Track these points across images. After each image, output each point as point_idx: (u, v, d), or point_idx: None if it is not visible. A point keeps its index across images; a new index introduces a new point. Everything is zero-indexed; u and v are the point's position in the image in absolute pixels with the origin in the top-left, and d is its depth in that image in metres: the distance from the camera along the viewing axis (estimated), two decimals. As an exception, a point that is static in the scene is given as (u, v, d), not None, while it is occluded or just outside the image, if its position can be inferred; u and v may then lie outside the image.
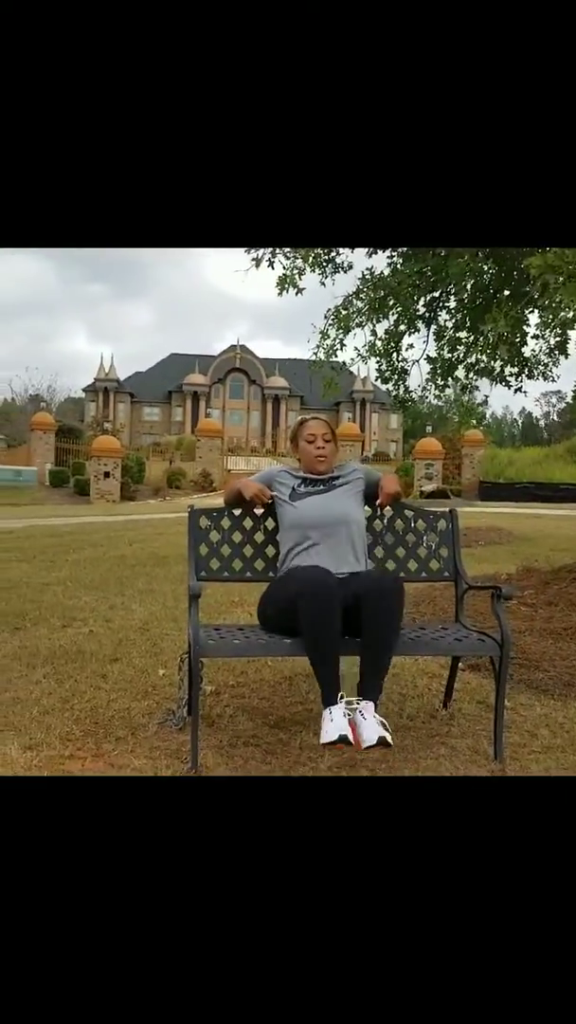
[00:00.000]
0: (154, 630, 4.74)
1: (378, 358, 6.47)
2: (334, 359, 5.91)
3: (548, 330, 5.73)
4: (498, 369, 6.31)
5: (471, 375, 6.57)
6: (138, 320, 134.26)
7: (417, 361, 6.39)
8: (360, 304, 5.71)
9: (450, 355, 5.97)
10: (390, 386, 6.87)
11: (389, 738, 2.62)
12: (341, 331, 5.76)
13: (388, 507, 3.41)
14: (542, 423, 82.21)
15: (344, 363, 6.62)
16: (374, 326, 5.88)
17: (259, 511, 3.33)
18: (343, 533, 3.04)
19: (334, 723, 2.61)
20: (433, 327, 6.01)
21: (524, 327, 5.08)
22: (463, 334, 5.88)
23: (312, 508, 3.09)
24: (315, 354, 5.95)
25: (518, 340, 5.09)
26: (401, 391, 6.81)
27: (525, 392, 6.61)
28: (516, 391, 6.48)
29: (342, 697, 2.68)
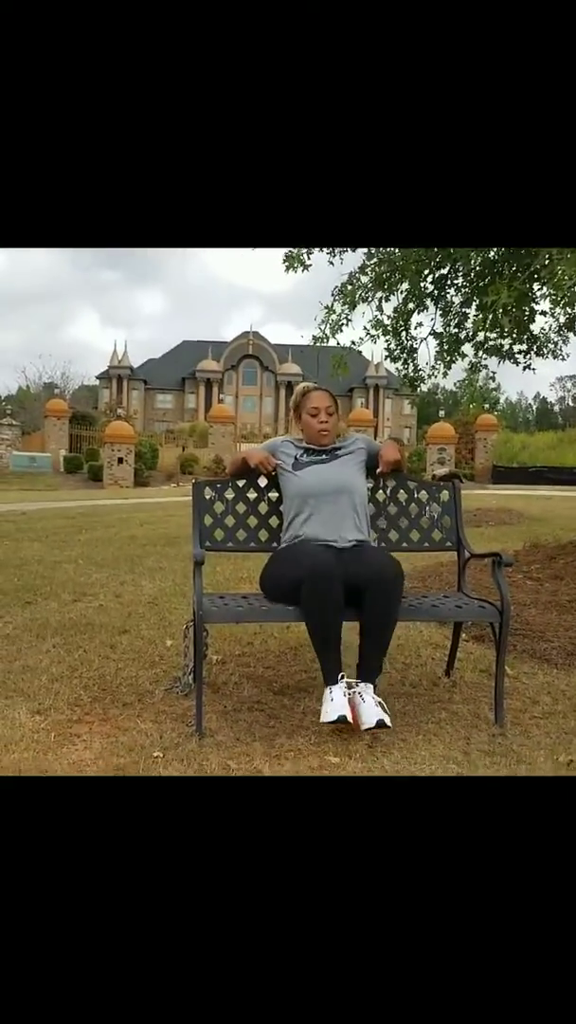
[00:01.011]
0: (163, 604, 4.80)
1: (387, 337, 6.48)
2: (339, 333, 5.92)
3: (558, 307, 5.72)
4: (506, 346, 6.31)
5: (480, 353, 6.57)
6: (150, 307, 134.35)
7: (425, 339, 6.39)
8: (365, 280, 5.71)
9: (456, 330, 5.97)
10: (399, 365, 6.88)
11: (387, 720, 2.69)
12: (347, 307, 5.77)
13: (391, 478, 3.45)
14: (557, 408, 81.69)
15: (353, 342, 6.62)
16: (380, 303, 5.88)
17: (263, 482, 3.37)
18: (344, 501, 3.08)
19: (334, 703, 2.70)
20: (440, 304, 6.00)
21: (532, 303, 5.07)
22: (471, 310, 5.88)
23: (314, 477, 3.13)
24: (320, 330, 5.96)
25: (525, 316, 5.08)
26: (410, 370, 6.82)
27: (534, 370, 6.58)
28: (525, 368, 6.47)
29: (342, 677, 2.76)
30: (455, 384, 7.34)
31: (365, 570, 2.87)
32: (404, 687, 3.43)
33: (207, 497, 3.34)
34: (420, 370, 6.84)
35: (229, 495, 3.39)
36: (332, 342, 6.14)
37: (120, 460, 26.41)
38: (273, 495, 3.40)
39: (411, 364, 6.75)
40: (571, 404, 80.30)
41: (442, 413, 29.65)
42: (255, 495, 3.42)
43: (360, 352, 7.18)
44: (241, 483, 3.40)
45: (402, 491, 3.49)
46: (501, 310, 4.19)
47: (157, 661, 3.69)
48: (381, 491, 3.46)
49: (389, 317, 6.34)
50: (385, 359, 6.87)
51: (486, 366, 6.86)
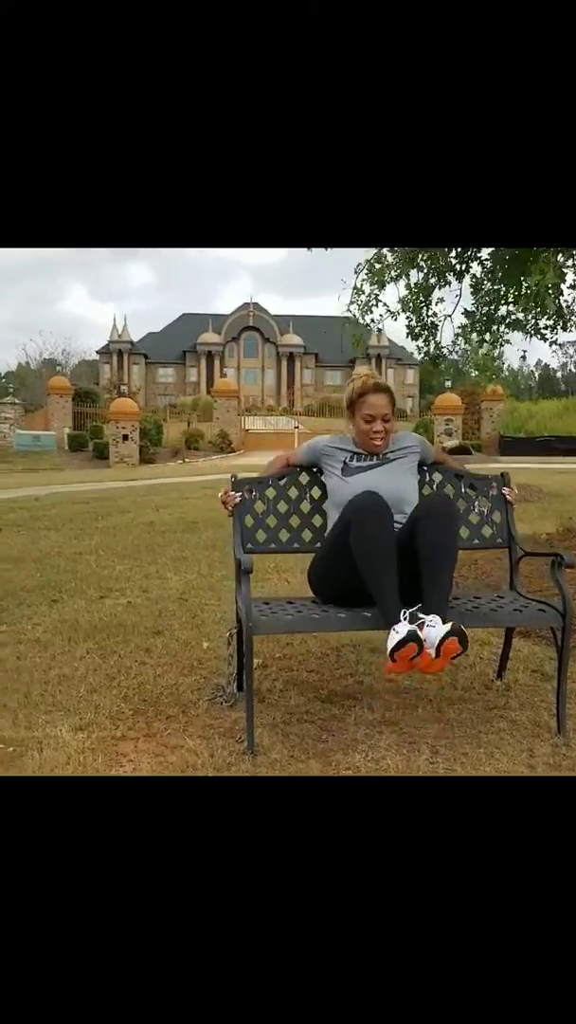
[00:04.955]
0: (192, 600, 4.67)
1: (408, 313, 6.27)
2: (369, 314, 5.71)
3: None
4: (532, 322, 6.11)
5: (503, 328, 6.37)
6: (138, 280, 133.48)
7: (449, 315, 6.19)
8: (391, 258, 5.50)
9: (487, 308, 5.76)
10: (420, 343, 6.67)
11: (463, 629, 2.44)
12: (376, 286, 5.56)
13: (438, 473, 3.30)
14: (559, 374, 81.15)
15: (374, 319, 6.42)
16: (408, 280, 5.67)
17: (305, 479, 3.22)
18: (398, 513, 2.91)
19: (399, 631, 2.43)
20: (468, 279, 5.79)
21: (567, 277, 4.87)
22: (499, 286, 5.67)
23: (366, 485, 2.93)
24: (349, 310, 5.75)
25: (561, 293, 4.89)
26: (432, 348, 6.62)
27: (560, 345, 6.39)
28: (552, 343, 6.29)
29: (406, 615, 2.50)
30: (457, 352, 7.08)
31: (420, 506, 2.79)
32: (456, 691, 3.30)
33: (247, 497, 3.19)
34: (442, 347, 6.65)
35: (270, 493, 3.23)
36: (363, 319, 5.92)
37: (125, 437, 26.22)
38: (316, 492, 3.25)
39: (432, 342, 6.55)
40: (573, 370, 79.76)
41: (448, 383, 29.34)
42: (296, 493, 3.27)
43: (368, 326, 6.97)
44: (282, 481, 3.25)
45: (449, 486, 3.33)
46: (544, 290, 3.99)
47: (195, 666, 3.56)
48: (427, 486, 3.31)
49: (411, 293, 6.14)
50: (406, 337, 6.66)
51: (508, 341, 6.67)
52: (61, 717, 2.98)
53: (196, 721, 2.97)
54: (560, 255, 4.38)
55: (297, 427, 34.30)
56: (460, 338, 6.46)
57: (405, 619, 2.50)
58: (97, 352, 61.71)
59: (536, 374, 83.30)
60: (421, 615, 2.52)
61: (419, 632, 2.42)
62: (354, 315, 5.75)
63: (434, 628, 2.45)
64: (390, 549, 2.60)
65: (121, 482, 14.33)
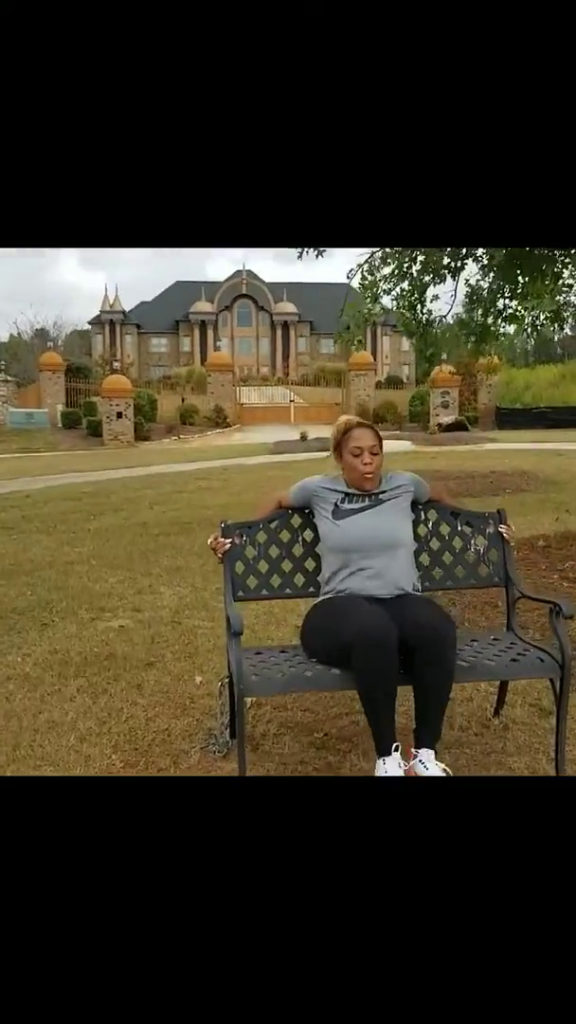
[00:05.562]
0: (186, 623, 4.61)
1: (403, 311, 6.15)
2: (362, 329, 5.59)
3: None
4: (529, 319, 6.00)
5: (499, 321, 6.25)
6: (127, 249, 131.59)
7: (444, 317, 6.07)
8: (387, 270, 5.37)
9: (485, 318, 5.64)
10: (414, 340, 6.55)
11: (450, 774, 2.51)
12: (368, 299, 5.43)
13: (432, 509, 3.22)
14: (556, 338, 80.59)
15: (383, 308, 6.26)
16: (403, 287, 5.54)
17: (296, 521, 3.14)
18: (391, 556, 2.84)
19: (387, 772, 2.51)
20: (464, 284, 5.67)
21: (564, 288, 4.76)
22: (504, 292, 5.54)
23: (358, 529, 2.87)
24: (366, 298, 5.62)
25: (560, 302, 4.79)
26: (425, 344, 6.51)
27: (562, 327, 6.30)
28: (553, 332, 6.20)
29: (397, 748, 2.55)
30: (452, 317, 6.94)
31: (416, 629, 2.64)
32: (452, 732, 3.24)
33: (237, 543, 3.11)
34: (436, 342, 6.53)
35: (261, 538, 3.15)
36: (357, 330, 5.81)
37: (119, 415, 26.04)
38: (308, 535, 3.17)
39: (426, 339, 6.43)
40: (569, 334, 79.21)
41: (445, 355, 29.04)
42: (288, 536, 3.19)
43: (369, 301, 6.81)
44: (273, 524, 3.16)
45: (444, 524, 3.25)
46: (543, 314, 3.88)
47: (187, 705, 3.50)
48: (423, 525, 3.23)
49: (406, 291, 6.01)
50: (401, 334, 6.54)
51: (505, 333, 6.56)
52: (50, 774, 2.93)
53: (188, 774, 2.92)
54: (560, 274, 4.27)
55: (293, 400, 34.07)
56: (457, 328, 6.34)
57: (396, 751, 2.55)
58: (89, 323, 61.14)
59: (532, 339, 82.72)
60: (413, 750, 2.59)
61: (406, 772, 2.51)
62: (366, 307, 5.61)
63: (425, 769, 2.52)
64: (391, 687, 2.58)
65: (114, 470, 14.21)
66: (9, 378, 31.20)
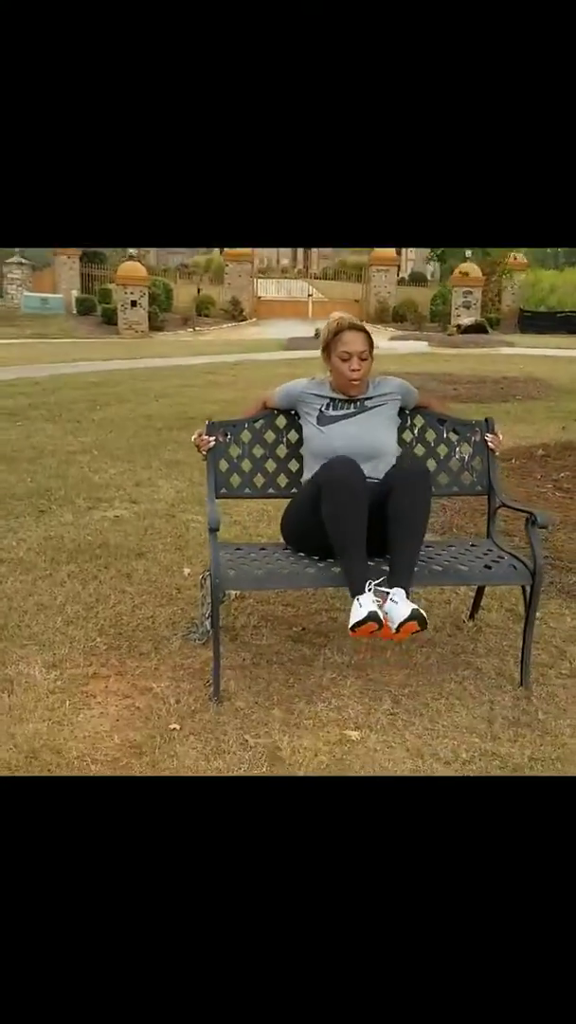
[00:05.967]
0: (180, 516, 4.69)
1: None
2: None
3: None
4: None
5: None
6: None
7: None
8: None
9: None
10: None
11: (423, 613, 2.53)
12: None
13: (420, 417, 3.23)
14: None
15: None
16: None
17: (282, 422, 3.16)
18: (373, 466, 2.85)
19: (363, 607, 2.51)
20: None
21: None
22: None
23: (342, 437, 2.88)
24: None
25: None
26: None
27: None
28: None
29: (371, 587, 2.57)
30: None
31: (393, 472, 2.75)
32: (427, 631, 3.34)
33: (221, 440, 3.14)
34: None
35: (245, 437, 3.18)
36: None
37: (133, 304, 25.56)
38: (293, 436, 3.20)
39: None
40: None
41: (468, 253, 28.09)
42: (273, 437, 3.21)
43: None
44: (258, 424, 3.19)
45: (430, 430, 3.27)
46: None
47: (174, 595, 3.62)
48: (408, 431, 3.24)
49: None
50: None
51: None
52: (35, 651, 3.07)
53: (168, 660, 3.05)
54: None
55: (311, 295, 33.29)
56: None
57: (370, 590, 2.52)
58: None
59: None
60: (385, 588, 2.54)
61: (380, 611, 2.46)
62: None
63: (396, 606, 2.50)
64: (360, 523, 2.59)
65: (125, 360, 14.09)
66: (24, 260, 30.54)
